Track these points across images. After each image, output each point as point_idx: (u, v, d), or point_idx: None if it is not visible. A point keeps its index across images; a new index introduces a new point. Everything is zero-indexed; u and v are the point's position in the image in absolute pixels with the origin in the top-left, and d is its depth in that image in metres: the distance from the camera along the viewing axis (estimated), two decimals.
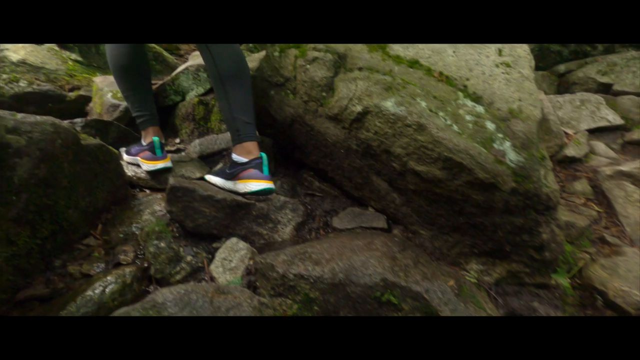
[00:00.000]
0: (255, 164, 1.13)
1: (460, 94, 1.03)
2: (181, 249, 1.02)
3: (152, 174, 1.29)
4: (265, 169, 1.14)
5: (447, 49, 1.12)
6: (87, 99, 1.77)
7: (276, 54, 1.28)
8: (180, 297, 0.69)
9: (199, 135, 1.68)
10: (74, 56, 1.95)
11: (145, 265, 0.97)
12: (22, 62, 1.69)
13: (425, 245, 1.15)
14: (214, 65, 1.14)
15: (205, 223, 1.06)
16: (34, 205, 0.86)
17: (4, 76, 1.60)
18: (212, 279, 0.98)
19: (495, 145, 0.94)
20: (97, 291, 0.84)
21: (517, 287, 1.05)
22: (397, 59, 1.11)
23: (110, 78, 1.74)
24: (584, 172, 1.59)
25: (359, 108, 1.06)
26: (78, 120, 1.42)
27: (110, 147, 1.15)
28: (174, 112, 1.73)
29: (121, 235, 1.06)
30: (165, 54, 2.32)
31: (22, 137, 0.84)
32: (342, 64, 1.16)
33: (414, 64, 1.10)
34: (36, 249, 0.88)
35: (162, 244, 1.00)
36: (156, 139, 1.25)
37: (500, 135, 0.96)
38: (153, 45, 2.27)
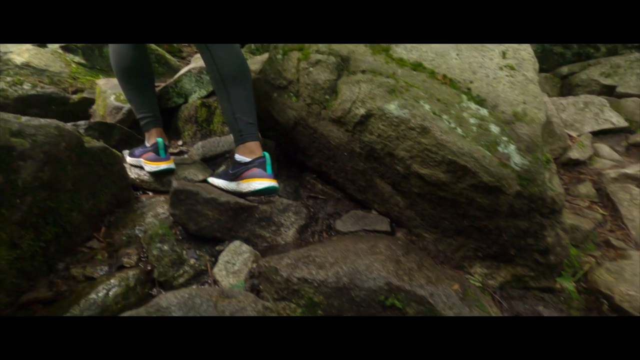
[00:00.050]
0: (259, 163, 1.13)
1: (464, 97, 1.02)
2: (184, 252, 1.02)
3: (155, 175, 1.29)
4: (269, 167, 1.14)
5: (451, 51, 1.11)
6: (91, 102, 1.78)
7: (279, 56, 1.28)
8: (184, 301, 0.69)
9: (201, 137, 1.68)
10: (77, 59, 1.96)
11: (149, 268, 0.97)
12: (26, 65, 1.70)
13: (429, 249, 1.14)
14: (215, 67, 1.14)
15: (208, 226, 1.06)
16: (38, 208, 0.86)
17: (8, 79, 1.61)
18: (216, 282, 0.98)
19: (499, 149, 0.94)
20: (100, 294, 0.84)
21: (522, 291, 1.05)
22: (401, 62, 1.11)
23: (114, 80, 1.74)
24: (588, 175, 1.58)
25: (362, 111, 1.06)
26: (81, 122, 1.42)
27: (114, 150, 1.15)
28: (177, 114, 1.73)
29: (124, 238, 1.06)
30: (168, 56, 2.33)
31: (26, 140, 0.84)
32: (345, 66, 1.16)
33: (417, 66, 1.09)
34: (40, 252, 0.88)
35: (166, 247, 1.00)
36: (160, 140, 1.25)
37: (504, 138, 0.95)
38: (156, 47, 2.28)
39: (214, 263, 1.03)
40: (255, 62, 1.82)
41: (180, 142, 1.70)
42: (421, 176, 1.01)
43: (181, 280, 0.97)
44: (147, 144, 1.32)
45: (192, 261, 1.00)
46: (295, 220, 1.19)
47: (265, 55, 1.89)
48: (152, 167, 1.26)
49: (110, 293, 0.85)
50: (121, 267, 0.96)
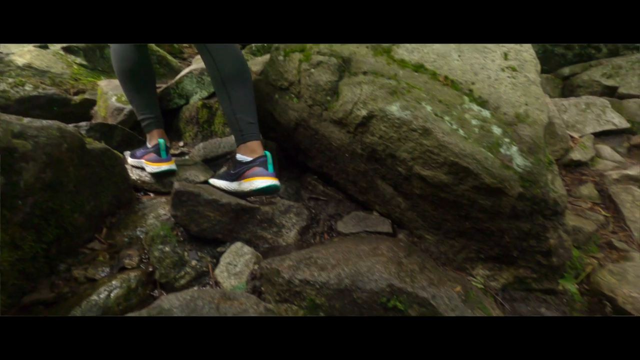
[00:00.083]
0: (260, 162, 1.13)
1: (466, 98, 1.02)
2: (186, 254, 1.01)
3: (156, 176, 1.29)
4: (270, 166, 1.14)
5: (452, 53, 1.11)
6: (92, 103, 1.78)
7: (280, 57, 1.28)
8: (186, 304, 0.69)
9: (202, 138, 1.68)
10: (79, 60, 1.97)
11: (150, 269, 0.97)
12: (28, 66, 1.70)
13: (431, 250, 1.14)
14: (215, 67, 1.14)
15: (209, 227, 1.06)
16: (40, 210, 0.86)
17: (10, 80, 1.61)
18: (217, 283, 0.98)
19: (502, 150, 0.94)
20: (102, 295, 0.84)
21: (525, 292, 1.04)
22: (402, 63, 1.11)
23: (115, 82, 1.75)
24: (590, 176, 1.58)
25: (363, 112, 1.06)
26: (83, 124, 1.42)
27: (115, 151, 1.15)
28: (178, 115, 1.73)
29: (126, 239, 1.06)
30: (169, 57, 2.33)
31: (28, 142, 0.84)
32: (346, 68, 1.16)
33: (419, 68, 1.09)
34: (41, 253, 0.88)
35: (167, 248, 1.00)
36: (161, 141, 1.25)
37: (506, 139, 0.95)
38: (157, 48, 2.28)
39: (215, 264, 1.03)
40: (257, 63, 1.82)
41: (181, 143, 1.70)
42: (423, 178, 1.01)
43: (183, 281, 0.97)
44: (149, 145, 1.32)
45: (193, 263, 1.00)
46: (297, 222, 1.19)
47: (267, 57, 1.89)
48: (153, 168, 1.26)
49: (112, 294, 0.85)
50: (123, 269, 0.96)
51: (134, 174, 1.30)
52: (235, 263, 1.01)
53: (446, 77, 1.07)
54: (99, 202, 1.06)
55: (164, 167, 1.26)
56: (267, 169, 1.13)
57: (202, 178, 1.35)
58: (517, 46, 1.13)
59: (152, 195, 1.28)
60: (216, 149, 1.53)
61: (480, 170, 0.92)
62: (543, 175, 0.93)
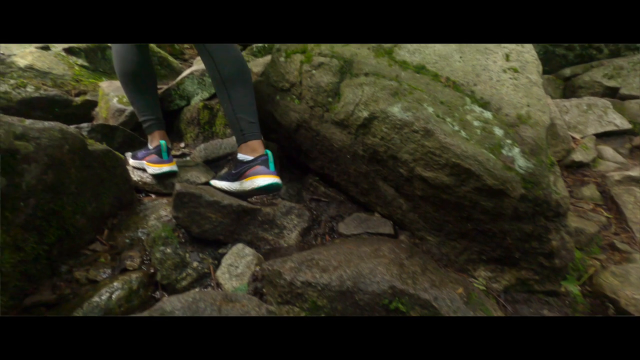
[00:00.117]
0: (261, 160, 1.13)
1: (468, 100, 1.02)
2: (187, 255, 1.01)
3: (158, 177, 1.29)
4: (272, 165, 1.14)
5: (454, 54, 1.11)
6: (93, 104, 1.79)
7: (282, 59, 1.28)
8: (188, 306, 0.69)
9: (203, 139, 1.68)
10: (80, 61, 1.97)
11: (152, 271, 0.97)
12: (30, 68, 1.71)
13: (433, 252, 1.14)
14: (215, 68, 1.14)
15: (211, 229, 1.06)
16: (42, 211, 0.86)
17: (12, 81, 1.61)
18: (219, 285, 0.98)
19: (504, 152, 0.94)
20: (103, 297, 0.84)
21: (527, 294, 1.04)
22: (404, 65, 1.11)
23: (116, 83, 1.75)
24: (592, 177, 1.57)
25: (365, 113, 1.06)
26: (84, 125, 1.43)
27: (116, 152, 1.15)
28: (179, 116, 1.74)
29: (127, 241, 1.06)
30: (170, 58, 2.33)
31: (30, 143, 0.84)
32: (348, 69, 1.15)
33: (420, 69, 1.09)
34: (43, 255, 0.88)
35: (168, 250, 1.00)
36: (163, 142, 1.25)
37: (508, 141, 0.95)
38: (158, 50, 2.28)
39: (217, 266, 1.03)
40: (258, 64, 1.83)
41: (182, 145, 1.70)
42: (424, 179, 1.01)
43: (184, 283, 0.96)
44: (150, 147, 1.32)
45: (195, 264, 1.00)
46: (298, 223, 1.19)
47: (268, 58, 1.89)
48: (154, 169, 1.26)
49: (114, 296, 0.85)
50: (124, 270, 0.96)
51: (135, 176, 1.30)
52: (236, 264, 1.01)
53: (448, 79, 1.07)
54: (101, 203, 1.06)
55: (165, 168, 1.26)
56: (268, 167, 1.13)
57: (203, 179, 1.35)
58: (518, 47, 1.13)
59: (153, 196, 1.28)
60: (217, 150, 1.53)
61: (482, 171, 0.91)
62: (545, 177, 0.92)
